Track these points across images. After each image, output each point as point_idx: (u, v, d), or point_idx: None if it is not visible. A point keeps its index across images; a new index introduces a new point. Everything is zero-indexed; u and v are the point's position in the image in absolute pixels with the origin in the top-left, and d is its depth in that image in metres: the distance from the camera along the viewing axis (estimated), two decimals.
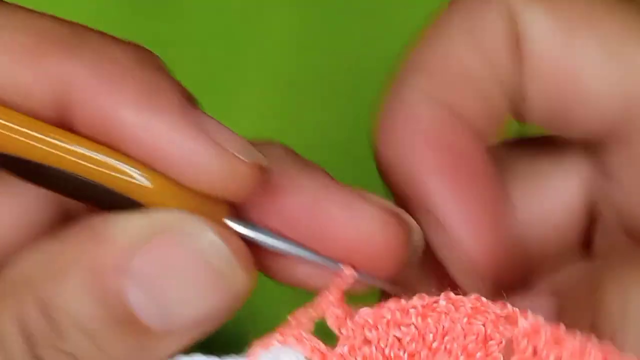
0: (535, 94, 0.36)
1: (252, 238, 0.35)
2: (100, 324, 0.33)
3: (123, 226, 0.33)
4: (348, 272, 0.36)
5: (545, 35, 0.36)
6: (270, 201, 0.36)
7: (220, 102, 0.71)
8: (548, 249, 0.39)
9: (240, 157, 0.34)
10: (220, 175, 0.33)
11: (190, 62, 0.74)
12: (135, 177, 0.34)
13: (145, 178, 0.34)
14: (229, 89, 0.73)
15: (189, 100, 0.34)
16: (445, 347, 0.34)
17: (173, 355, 0.35)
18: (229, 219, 0.35)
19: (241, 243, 0.34)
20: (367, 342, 0.35)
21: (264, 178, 0.34)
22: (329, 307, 0.36)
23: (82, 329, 0.33)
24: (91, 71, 0.33)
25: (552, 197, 0.38)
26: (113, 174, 0.33)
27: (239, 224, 0.35)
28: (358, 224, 0.35)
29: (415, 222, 0.37)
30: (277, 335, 0.35)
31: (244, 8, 0.75)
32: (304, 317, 0.36)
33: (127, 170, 0.33)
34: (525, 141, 0.40)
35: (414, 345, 0.34)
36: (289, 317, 0.36)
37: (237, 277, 0.34)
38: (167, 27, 0.74)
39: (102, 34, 0.35)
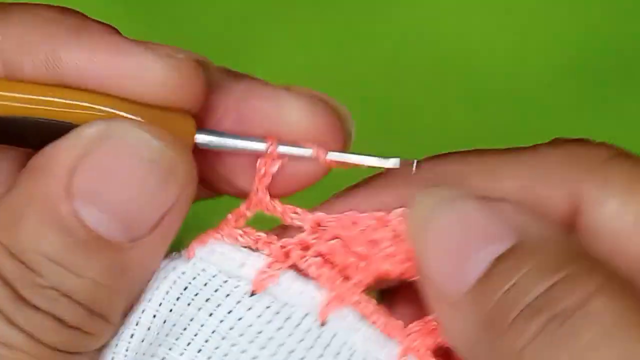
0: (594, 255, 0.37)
1: (221, 145, 0.36)
2: (68, 250, 0.33)
3: (57, 151, 0.34)
4: (271, 147, 0.36)
5: (614, 216, 0.37)
6: (202, 106, 0.37)
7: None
8: None
9: (176, 55, 0.35)
10: (168, 77, 0.35)
11: None
12: (95, 108, 0.35)
13: (104, 106, 0.35)
14: None
15: (116, 31, 0.37)
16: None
17: (153, 264, 0.35)
18: (200, 133, 0.36)
19: (169, 134, 0.35)
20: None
21: (203, 75, 0.36)
22: (262, 195, 0.37)
23: (53, 260, 0.33)
24: (23, 30, 0.35)
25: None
26: (78, 111, 0.35)
27: (205, 133, 0.36)
28: (284, 116, 0.37)
29: (344, 108, 0.39)
30: (213, 232, 0.36)
31: (244, 8, 0.75)
32: (239, 212, 0.37)
33: (89, 105, 0.35)
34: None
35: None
36: (227, 215, 0.37)
37: (175, 163, 0.35)
38: (169, 28, 0.75)
39: (24, 4, 0.36)
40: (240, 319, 0.35)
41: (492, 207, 0.35)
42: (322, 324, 0.35)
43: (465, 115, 0.73)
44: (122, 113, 0.35)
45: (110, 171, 0.34)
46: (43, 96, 0.35)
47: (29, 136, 0.35)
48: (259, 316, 0.35)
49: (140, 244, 0.34)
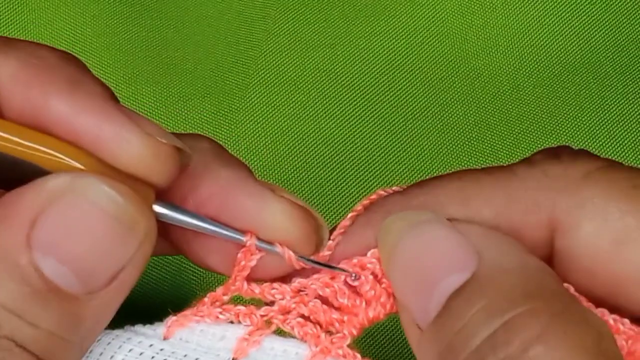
0: (574, 280, 0.37)
1: (177, 219, 0.37)
2: (25, 300, 0.33)
3: (19, 200, 0.34)
4: (250, 241, 0.38)
5: (590, 239, 0.36)
6: (189, 186, 0.38)
7: (224, 102, 0.72)
8: None
9: (161, 139, 0.36)
10: (143, 154, 0.35)
11: (193, 63, 0.74)
12: (66, 160, 0.35)
13: (76, 161, 0.35)
14: (233, 89, 0.72)
15: (111, 94, 0.37)
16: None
17: (106, 317, 0.35)
18: (156, 203, 0.37)
19: (132, 192, 0.36)
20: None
21: (183, 161, 0.37)
22: (241, 281, 0.38)
23: (9, 309, 0.33)
24: (20, 66, 0.36)
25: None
26: (47, 157, 0.35)
27: (166, 207, 0.37)
28: (265, 216, 0.38)
29: (321, 219, 0.39)
30: (191, 313, 0.37)
31: (247, 8, 0.75)
32: (216, 296, 0.38)
33: (58, 155, 0.35)
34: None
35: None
36: (204, 298, 0.38)
37: (136, 220, 0.35)
38: (171, 28, 0.74)
39: (29, 41, 0.37)
40: None
41: (456, 232, 0.35)
42: None
43: (465, 115, 0.73)
44: (87, 169, 0.35)
45: (71, 224, 0.34)
46: (19, 136, 0.35)
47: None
48: None
49: (97, 296, 0.34)
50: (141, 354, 0.36)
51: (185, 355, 0.36)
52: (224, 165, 0.39)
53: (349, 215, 0.39)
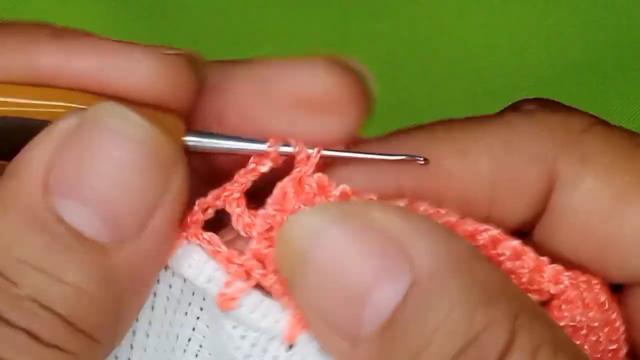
0: (561, 240, 0.35)
1: (211, 146, 0.34)
2: (46, 251, 0.29)
3: (31, 148, 0.31)
4: (273, 147, 0.35)
5: (591, 195, 0.34)
6: (216, 102, 0.35)
7: None
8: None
9: (165, 51, 0.33)
10: (156, 72, 0.32)
11: None
12: (77, 106, 0.32)
13: (88, 105, 0.32)
14: None
15: (98, 36, 0.34)
16: None
17: (145, 274, 0.32)
18: (187, 134, 0.34)
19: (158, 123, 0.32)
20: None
21: (199, 70, 0.34)
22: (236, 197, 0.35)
23: (30, 264, 0.29)
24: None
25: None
26: (56, 110, 0.32)
27: (198, 135, 0.34)
28: (308, 85, 0.34)
29: (364, 68, 0.37)
30: (179, 232, 0.33)
31: (247, 8, 0.75)
32: (207, 202, 0.35)
33: (67, 104, 0.33)
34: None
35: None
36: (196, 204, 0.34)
37: (165, 145, 0.31)
38: (171, 28, 0.75)
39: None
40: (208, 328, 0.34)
41: (380, 232, 0.31)
42: (290, 347, 0.33)
43: (465, 115, 0.73)
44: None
45: (91, 158, 0.30)
46: (19, 96, 0.32)
47: (9, 141, 0.32)
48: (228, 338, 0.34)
49: (128, 245, 0.30)
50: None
51: (181, 293, 0.34)
52: (235, 65, 0.35)
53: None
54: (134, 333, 0.34)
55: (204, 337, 0.34)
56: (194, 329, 0.34)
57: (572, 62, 0.73)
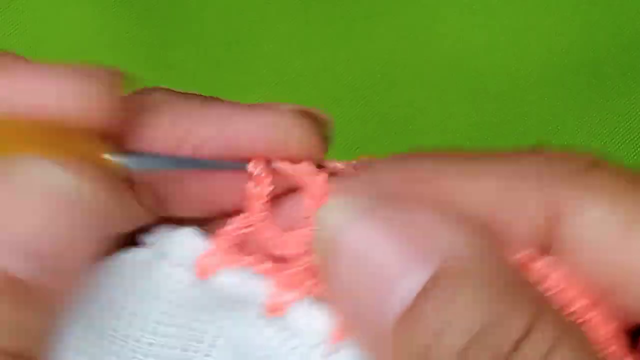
0: (573, 272, 0.34)
1: (145, 165, 0.34)
2: None
3: None
4: (258, 169, 0.35)
5: (598, 225, 0.34)
6: (182, 134, 0.35)
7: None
8: None
9: (88, 78, 0.33)
10: (74, 97, 0.33)
11: (195, 63, 0.74)
12: None
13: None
14: (233, 89, 0.72)
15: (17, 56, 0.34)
16: None
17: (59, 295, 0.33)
18: (109, 154, 0.34)
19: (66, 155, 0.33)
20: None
21: (124, 97, 0.34)
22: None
23: None
24: None
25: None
26: None
27: (121, 155, 0.34)
28: (268, 134, 0.35)
29: (322, 113, 0.37)
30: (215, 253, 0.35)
31: (247, 8, 0.75)
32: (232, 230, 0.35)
33: None
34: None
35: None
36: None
37: (81, 198, 0.32)
38: (171, 28, 0.74)
39: None
40: (259, 332, 0.34)
41: (407, 224, 0.32)
42: (331, 355, 0.34)
43: (466, 115, 0.73)
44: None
45: (10, 209, 0.32)
46: None
47: None
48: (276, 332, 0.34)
49: (51, 280, 0.32)
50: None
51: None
52: (206, 104, 0.35)
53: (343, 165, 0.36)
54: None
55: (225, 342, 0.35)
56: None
57: (572, 62, 0.73)
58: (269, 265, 0.34)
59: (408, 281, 0.31)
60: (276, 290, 0.34)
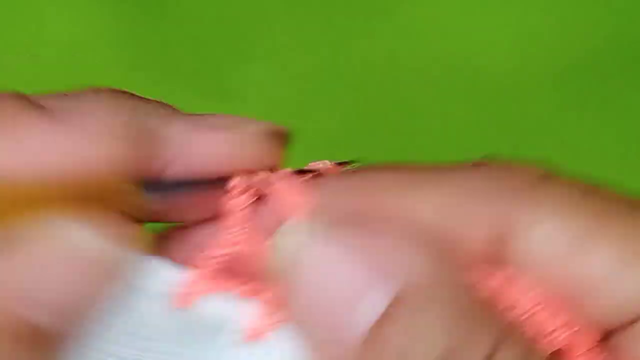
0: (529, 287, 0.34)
1: (160, 194, 0.35)
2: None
3: None
4: (237, 182, 0.35)
5: (547, 240, 0.33)
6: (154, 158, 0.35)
7: (224, 102, 0.71)
8: None
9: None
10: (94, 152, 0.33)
11: (195, 63, 0.74)
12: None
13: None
14: (233, 89, 0.73)
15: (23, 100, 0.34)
16: None
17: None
18: (140, 190, 0.34)
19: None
20: None
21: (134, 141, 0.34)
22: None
23: None
24: None
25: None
26: None
27: (146, 187, 0.34)
28: (227, 151, 0.36)
29: (283, 128, 0.37)
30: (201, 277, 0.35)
31: (247, 8, 0.75)
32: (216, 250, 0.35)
33: None
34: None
35: None
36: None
37: (98, 258, 0.33)
38: (171, 28, 0.75)
39: None
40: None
41: (366, 246, 0.32)
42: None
43: (466, 115, 0.73)
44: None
45: (35, 269, 0.32)
46: None
47: None
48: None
49: (65, 328, 0.33)
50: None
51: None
52: (172, 121, 0.36)
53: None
54: None
55: None
56: None
57: (572, 62, 0.73)
58: (248, 288, 0.34)
59: (368, 303, 0.31)
60: (258, 314, 0.34)
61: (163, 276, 0.34)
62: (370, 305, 0.31)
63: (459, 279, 0.32)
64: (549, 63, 0.73)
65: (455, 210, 0.34)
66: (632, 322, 0.34)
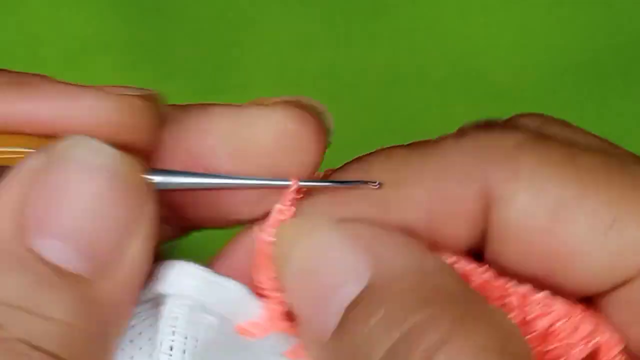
0: (509, 259, 0.35)
1: (180, 184, 0.34)
2: (32, 292, 0.29)
3: (1, 190, 0.30)
4: (294, 185, 0.35)
5: (526, 211, 0.34)
6: (176, 146, 0.34)
7: (225, 101, 0.71)
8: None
9: (125, 92, 0.33)
10: (112, 113, 0.32)
11: (195, 63, 0.74)
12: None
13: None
14: (233, 89, 0.73)
15: (49, 78, 0.33)
16: None
17: (127, 301, 0.31)
18: (147, 173, 0.33)
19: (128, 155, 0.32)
20: None
21: (158, 109, 0.33)
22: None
23: (17, 307, 0.29)
24: None
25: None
26: (15, 156, 0.31)
27: (161, 174, 0.33)
28: (270, 133, 0.34)
29: (319, 105, 0.36)
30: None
31: (247, 8, 0.75)
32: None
33: (26, 150, 0.32)
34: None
35: None
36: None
37: (136, 177, 0.31)
38: (171, 28, 0.74)
39: None
40: None
41: (349, 238, 0.33)
42: None
43: (466, 115, 0.73)
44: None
45: (63, 193, 0.30)
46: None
47: None
48: None
49: (109, 275, 0.30)
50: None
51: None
52: (192, 112, 0.35)
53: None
54: None
55: None
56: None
57: (572, 62, 0.73)
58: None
59: (343, 292, 0.32)
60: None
61: (233, 302, 0.34)
62: (345, 294, 0.32)
63: (431, 265, 0.33)
64: (549, 63, 0.73)
65: (442, 188, 0.34)
66: (613, 288, 0.34)
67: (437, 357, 0.30)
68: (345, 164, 0.36)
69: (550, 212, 0.34)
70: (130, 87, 0.33)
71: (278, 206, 0.35)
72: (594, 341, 0.34)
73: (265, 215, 0.35)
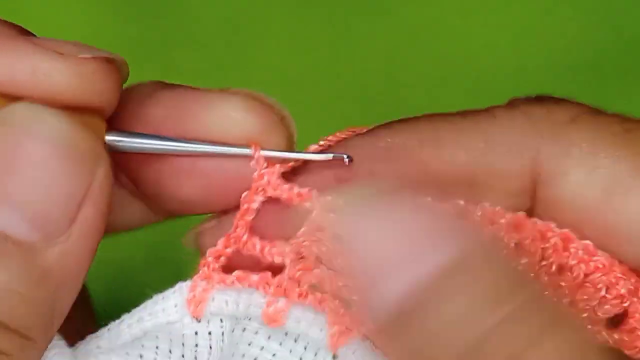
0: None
1: (135, 145, 0.33)
2: None
3: None
4: (258, 154, 0.35)
5: (580, 188, 0.33)
6: (137, 113, 0.34)
7: None
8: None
9: (84, 55, 0.32)
10: (71, 80, 0.31)
11: (195, 63, 0.74)
12: None
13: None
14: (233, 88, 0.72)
15: (18, 29, 0.33)
16: None
17: (76, 271, 0.31)
18: (109, 134, 0.33)
19: (74, 117, 0.31)
20: None
21: (118, 72, 0.33)
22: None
23: None
24: None
25: None
26: None
27: (119, 134, 0.33)
28: (219, 115, 0.34)
29: (283, 106, 0.36)
30: (199, 278, 0.34)
31: (247, 8, 0.75)
32: (218, 252, 0.35)
33: None
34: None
35: None
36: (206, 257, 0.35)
37: (86, 145, 0.31)
38: (171, 28, 0.74)
39: None
40: (262, 348, 0.34)
41: (431, 213, 0.31)
42: (334, 357, 0.33)
43: None
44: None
45: (8, 161, 0.30)
46: None
47: None
48: (280, 343, 0.34)
49: (59, 242, 0.30)
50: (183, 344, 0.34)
51: (222, 334, 0.34)
52: (167, 88, 0.35)
53: (312, 147, 0.36)
54: None
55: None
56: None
57: (572, 62, 0.73)
58: (256, 277, 0.34)
59: (405, 275, 0.30)
60: (271, 299, 0.34)
61: (175, 299, 0.34)
62: (408, 276, 0.30)
63: (499, 254, 0.31)
64: (549, 63, 0.73)
65: (489, 157, 0.33)
66: None
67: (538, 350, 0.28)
68: (390, 122, 0.35)
69: (604, 190, 0.33)
70: (97, 48, 0.34)
71: (264, 171, 0.34)
72: (626, 304, 0.33)
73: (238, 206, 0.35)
